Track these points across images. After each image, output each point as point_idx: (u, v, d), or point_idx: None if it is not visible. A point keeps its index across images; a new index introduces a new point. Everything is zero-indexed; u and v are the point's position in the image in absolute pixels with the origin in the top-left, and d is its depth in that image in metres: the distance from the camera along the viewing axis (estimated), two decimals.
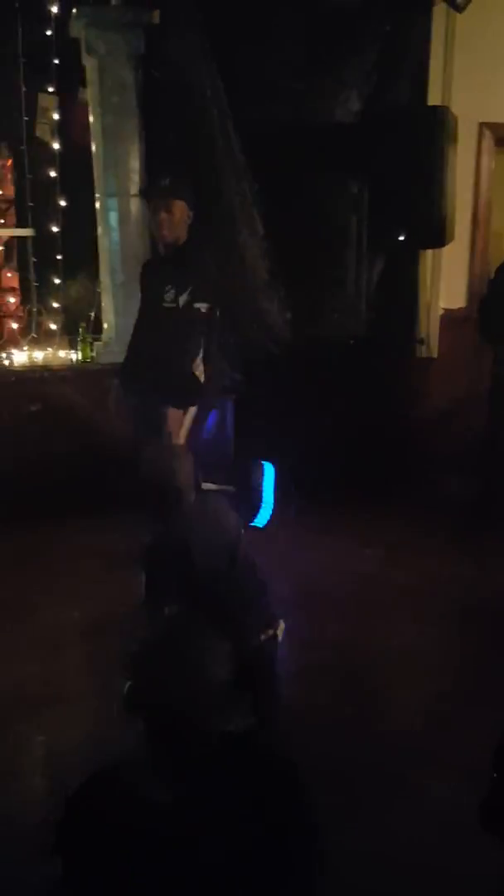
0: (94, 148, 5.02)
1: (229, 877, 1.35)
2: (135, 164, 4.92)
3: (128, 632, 1.51)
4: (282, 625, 2.70)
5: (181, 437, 3.86)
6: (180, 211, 3.87)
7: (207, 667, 1.42)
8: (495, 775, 1.58)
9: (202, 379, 3.90)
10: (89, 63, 4.91)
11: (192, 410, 3.91)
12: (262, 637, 2.58)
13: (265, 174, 4.85)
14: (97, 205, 5.09)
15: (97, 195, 5.07)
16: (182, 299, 3.83)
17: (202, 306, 3.85)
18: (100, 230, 5.11)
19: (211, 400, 4.09)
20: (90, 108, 5.03)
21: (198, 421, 3.97)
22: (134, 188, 4.93)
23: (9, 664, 3.39)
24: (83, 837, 1.39)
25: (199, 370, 3.90)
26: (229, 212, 4.82)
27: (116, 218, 4.98)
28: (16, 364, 5.14)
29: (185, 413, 3.89)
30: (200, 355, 3.88)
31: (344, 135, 5.20)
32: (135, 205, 4.96)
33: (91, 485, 4.60)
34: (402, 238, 5.27)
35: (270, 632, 2.64)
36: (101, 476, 4.54)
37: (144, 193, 4.00)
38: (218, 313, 3.92)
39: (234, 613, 2.46)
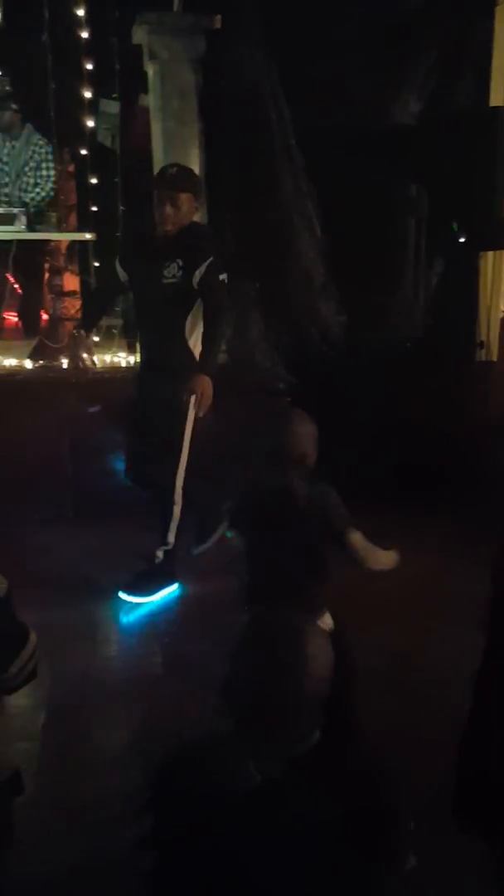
0: (154, 153, 5.08)
1: (312, 863, 1.36)
2: (194, 168, 4.94)
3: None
4: (328, 619, 2.61)
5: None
6: (187, 203, 3.76)
7: (300, 667, 1.40)
8: (465, 767, 1.57)
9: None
10: (151, 69, 4.97)
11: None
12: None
13: (324, 176, 4.85)
14: None
15: None
16: (195, 274, 3.74)
17: (224, 277, 3.80)
18: None
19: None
20: (151, 114, 5.09)
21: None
22: None
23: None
24: (173, 808, 1.42)
25: (198, 346, 3.88)
26: (287, 214, 4.83)
27: None
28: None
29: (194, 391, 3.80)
30: (199, 328, 3.87)
31: (404, 136, 5.17)
32: None
33: None
34: (461, 240, 5.21)
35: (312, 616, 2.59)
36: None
37: (152, 183, 3.88)
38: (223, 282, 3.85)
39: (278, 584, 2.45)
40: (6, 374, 5.16)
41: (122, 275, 4.02)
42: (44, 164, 5.74)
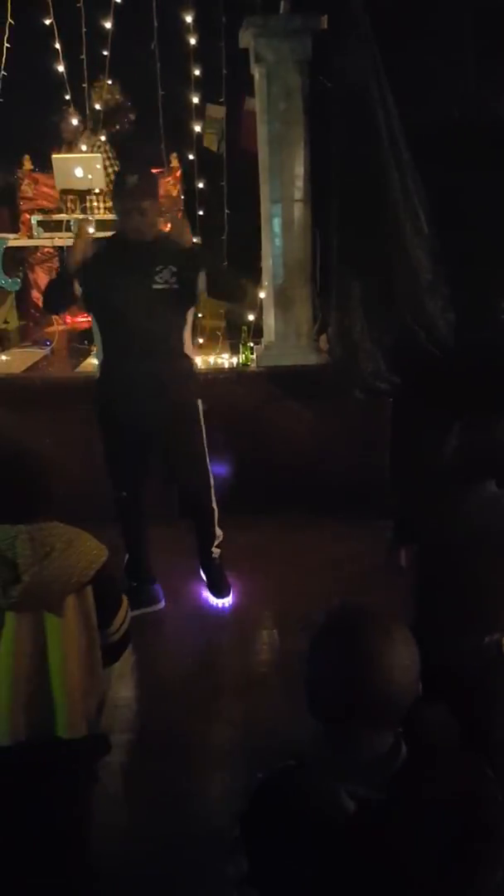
0: (260, 155, 5.11)
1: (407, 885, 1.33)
2: (299, 170, 4.97)
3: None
4: None
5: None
6: (154, 210, 3.61)
7: (386, 665, 1.37)
8: None
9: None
10: (257, 71, 5.00)
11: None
12: (486, 639, 2.36)
13: (434, 173, 4.76)
14: (262, 211, 5.18)
15: (262, 202, 5.16)
16: (198, 282, 3.65)
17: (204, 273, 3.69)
18: (263, 236, 5.19)
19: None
20: (257, 116, 5.12)
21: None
22: (298, 194, 4.98)
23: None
24: (266, 831, 1.41)
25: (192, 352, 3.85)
26: (393, 211, 4.77)
27: (280, 224, 5.05)
28: None
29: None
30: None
31: None
32: (298, 210, 5.02)
33: (251, 486, 4.69)
34: None
35: (497, 635, 2.38)
36: (261, 478, 4.64)
37: (114, 195, 3.66)
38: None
39: (467, 607, 2.35)
40: None
41: (77, 289, 3.73)
42: (108, 164, 5.90)
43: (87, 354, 5.64)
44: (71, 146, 5.98)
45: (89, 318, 6.26)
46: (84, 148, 5.97)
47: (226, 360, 5.38)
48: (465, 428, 2.45)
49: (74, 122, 5.86)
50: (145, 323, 3.59)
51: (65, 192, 5.90)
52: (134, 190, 3.55)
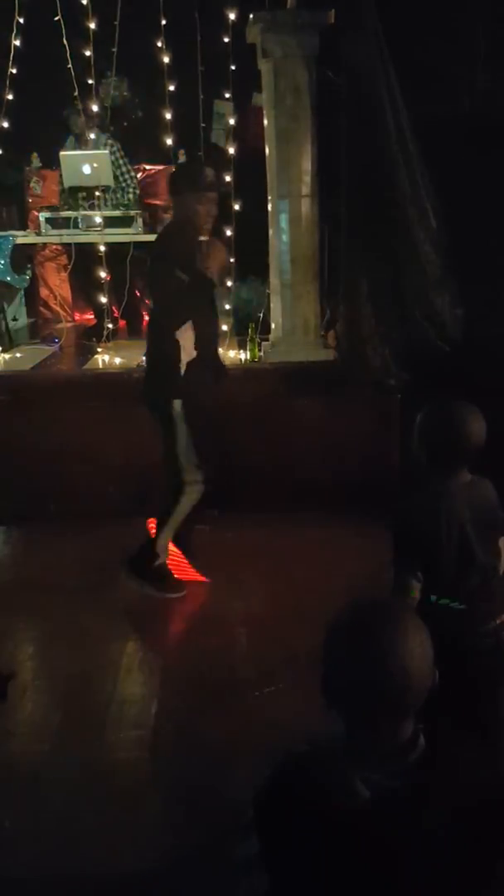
0: (267, 151, 5.10)
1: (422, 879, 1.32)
2: (307, 165, 4.95)
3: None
4: None
5: None
6: None
7: (400, 654, 1.36)
8: None
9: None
10: (264, 67, 4.99)
11: None
12: (497, 621, 2.31)
13: (443, 167, 4.74)
14: (269, 207, 5.17)
15: (269, 197, 5.15)
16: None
17: None
18: (271, 232, 5.18)
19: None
20: (265, 111, 5.11)
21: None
22: (305, 189, 4.96)
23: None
24: (279, 814, 1.40)
25: None
26: (401, 206, 4.75)
27: (287, 219, 5.04)
28: None
29: None
30: None
31: None
32: (305, 206, 5.00)
33: (260, 483, 4.69)
34: None
35: (497, 620, 2.32)
36: (270, 474, 4.63)
37: (204, 187, 3.74)
38: None
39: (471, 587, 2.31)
40: (123, 372, 5.29)
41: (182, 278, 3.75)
42: (121, 163, 5.94)
43: (94, 352, 5.65)
44: (81, 140, 5.99)
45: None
46: (92, 137, 5.98)
47: (233, 356, 5.37)
48: (424, 418, 2.42)
49: (86, 115, 5.87)
50: (214, 314, 3.95)
51: (73, 189, 5.90)
52: (215, 183, 3.79)
